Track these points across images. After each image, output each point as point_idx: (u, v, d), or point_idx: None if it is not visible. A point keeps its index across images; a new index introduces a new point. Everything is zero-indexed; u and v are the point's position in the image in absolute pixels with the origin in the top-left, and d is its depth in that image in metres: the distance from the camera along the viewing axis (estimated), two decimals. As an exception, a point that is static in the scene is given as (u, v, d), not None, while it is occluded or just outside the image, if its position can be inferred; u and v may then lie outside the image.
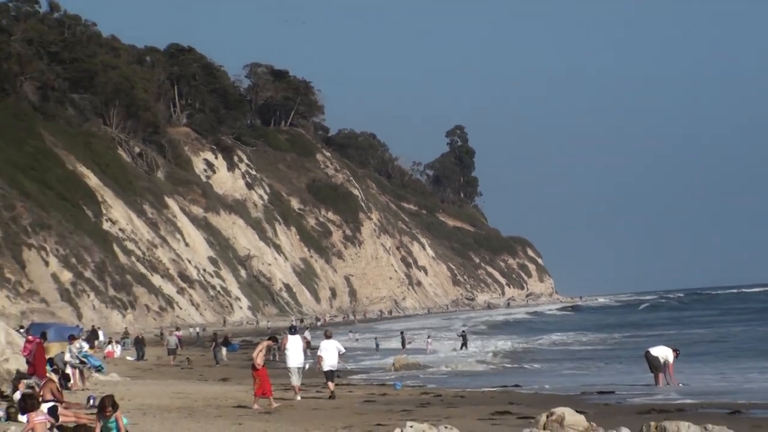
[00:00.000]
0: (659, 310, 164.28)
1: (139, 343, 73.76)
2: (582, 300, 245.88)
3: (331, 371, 38.73)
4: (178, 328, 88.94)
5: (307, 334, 73.72)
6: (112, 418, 18.43)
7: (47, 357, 40.46)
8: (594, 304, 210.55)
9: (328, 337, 40.57)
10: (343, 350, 44.11)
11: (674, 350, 43.05)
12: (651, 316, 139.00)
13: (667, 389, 38.84)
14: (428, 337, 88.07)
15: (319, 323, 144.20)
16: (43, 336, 44.71)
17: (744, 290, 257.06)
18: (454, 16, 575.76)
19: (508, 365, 61.99)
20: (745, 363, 53.33)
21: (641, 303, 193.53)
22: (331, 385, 38.56)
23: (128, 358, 70.79)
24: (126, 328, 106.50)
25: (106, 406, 18.62)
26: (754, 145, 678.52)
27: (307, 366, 39.54)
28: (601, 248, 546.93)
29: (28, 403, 20.73)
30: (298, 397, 36.99)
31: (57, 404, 26.44)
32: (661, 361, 41.36)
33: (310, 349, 49.25)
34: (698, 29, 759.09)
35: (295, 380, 37.63)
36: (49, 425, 19.94)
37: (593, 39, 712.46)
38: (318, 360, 39.39)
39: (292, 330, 43.17)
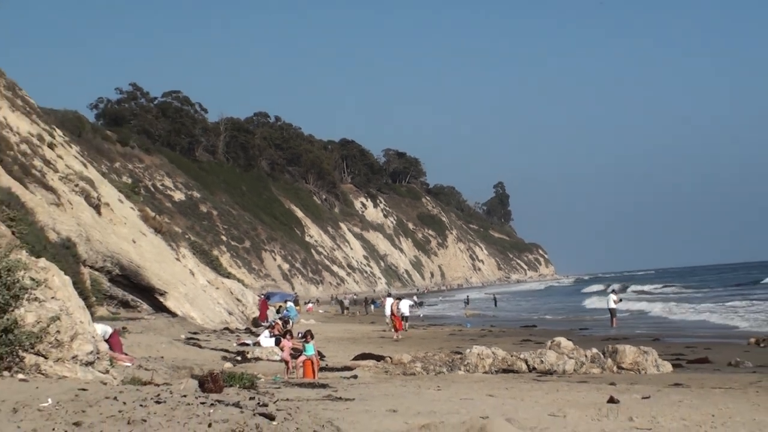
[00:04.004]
0: (552, 288, 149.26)
1: (342, 303, 73.15)
2: (567, 277, 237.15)
3: (405, 316, 38.38)
4: (355, 294, 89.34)
5: (415, 298, 73.76)
6: (310, 343, 18.85)
7: (276, 310, 41.74)
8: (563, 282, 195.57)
9: (399, 299, 41.03)
10: (411, 303, 45.18)
11: (611, 290, 41.88)
12: (548, 290, 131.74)
13: (616, 327, 36.84)
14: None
15: (425, 292, 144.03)
16: (267, 298, 46.14)
17: (636, 273, 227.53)
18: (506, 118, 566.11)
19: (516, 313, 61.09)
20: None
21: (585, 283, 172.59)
22: (405, 324, 38.09)
23: (319, 311, 70.19)
24: (334, 294, 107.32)
25: (307, 335, 19.13)
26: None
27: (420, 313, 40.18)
28: (586, 244, 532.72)
29: (285, 335, 21.60)
30: (388, 330, 37.18)
31: (281, 337, 27.52)
32: (614, 306, 38.74)
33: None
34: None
35: (388, 322, 38.21)
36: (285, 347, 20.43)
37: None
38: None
39: (389, 294, 44.10)
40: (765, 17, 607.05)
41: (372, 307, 69.62)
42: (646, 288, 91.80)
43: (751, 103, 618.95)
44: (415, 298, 76.26)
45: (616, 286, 67.79)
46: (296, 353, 19.05)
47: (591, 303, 66.26)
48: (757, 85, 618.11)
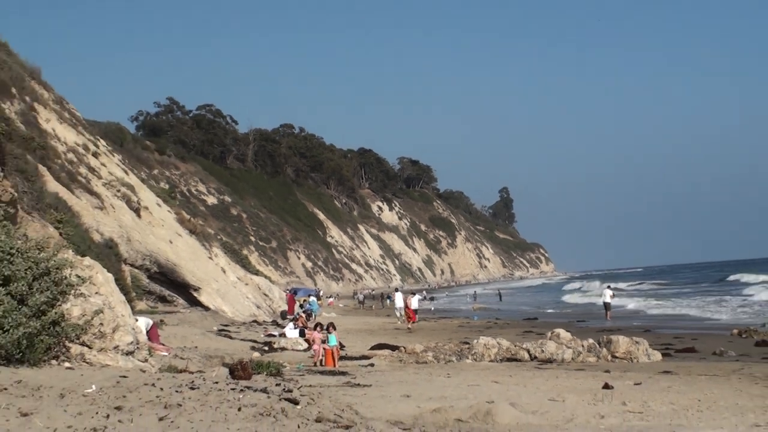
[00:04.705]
0: (546, 284, 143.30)
1: (359, 299, 73.14)
2: (565, 274, 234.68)
3: (414, 309, 37.37)
4: (372, 290, 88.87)
5: (424, 293, 73.37)
6: (333, 334, 18.92)
7: (300, 304, 41.70)
8: (558, 278, 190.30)
9: (412, 294, 40.83)
10: (421, 297, 45.32)
11: (606, 286, 41.70)
12: (541, 287, 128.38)
13: (611, 320, 36.40)
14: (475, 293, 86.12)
15: (436, 287, 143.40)
16: (294, 293, 46.08)
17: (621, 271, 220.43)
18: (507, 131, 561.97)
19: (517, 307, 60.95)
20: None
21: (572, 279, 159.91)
22: (415, 317, 37.73)
23: (339, 305, 69.49)
24: (354, 289, 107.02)
25: (330, 327, 19.16)
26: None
27: (432, 307, 39.91)
28: (584, 243, 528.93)
29: (315, 327, 21.75)
30: (399, 323, 37.14)
31: (304, 328, 27.54)
32: (609, 300, 38.23)
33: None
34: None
35: (398, 315, 38.46)
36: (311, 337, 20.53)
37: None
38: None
39: (397, 290, 43.89)
40: (764, 17, 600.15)
41: (387, 301, 69.63)
42: (620, 285, 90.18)
43: (741, 105, 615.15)
44: (424, 293, 76.15)
45: (591, 284, 68.38)
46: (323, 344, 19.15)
47: (569, 298, 68.49)
48: (751, 87, 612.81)
